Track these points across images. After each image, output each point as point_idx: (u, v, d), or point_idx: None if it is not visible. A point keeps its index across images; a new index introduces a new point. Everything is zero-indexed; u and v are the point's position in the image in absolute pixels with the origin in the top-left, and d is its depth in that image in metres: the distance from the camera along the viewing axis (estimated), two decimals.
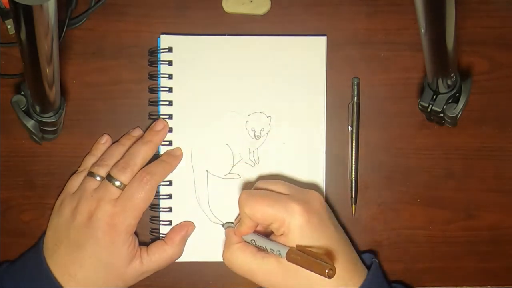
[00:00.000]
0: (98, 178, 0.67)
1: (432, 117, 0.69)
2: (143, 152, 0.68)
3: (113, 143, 0.71)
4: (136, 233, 0.68)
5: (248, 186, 0.70)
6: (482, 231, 0.72)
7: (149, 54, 0.71)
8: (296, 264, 0.59)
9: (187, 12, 0.72)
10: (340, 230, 0.66)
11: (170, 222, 0.70)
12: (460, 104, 0.65)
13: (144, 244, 0.70)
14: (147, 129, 0.71)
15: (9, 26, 0.69)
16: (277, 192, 0.64)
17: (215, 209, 0.71)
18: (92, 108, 0.71)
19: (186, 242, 0.70)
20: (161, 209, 0.70)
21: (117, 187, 0.66)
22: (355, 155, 0.71)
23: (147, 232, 0.71)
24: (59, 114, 0.65)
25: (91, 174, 0.68)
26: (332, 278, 0.56)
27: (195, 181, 0.71)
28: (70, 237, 0.66)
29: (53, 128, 0.67)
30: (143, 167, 0.68)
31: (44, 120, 0.65)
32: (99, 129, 0.71)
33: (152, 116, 0.71)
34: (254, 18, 0.72)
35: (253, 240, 0.64)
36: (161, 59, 0.71)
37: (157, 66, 0.71)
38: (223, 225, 0.70)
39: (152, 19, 0.71)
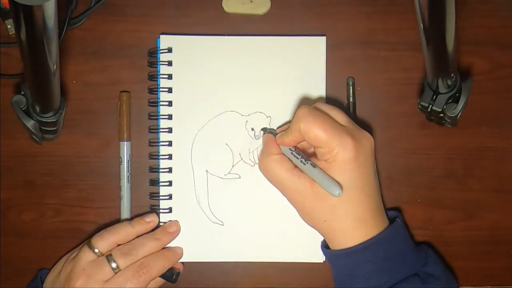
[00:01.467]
0: (96, 251, 0.67)
1: (432, 117, 0.69)
2: (149, 248, 0.68)
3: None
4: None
5: (248, 186, 0.70)
6: (482, 231, 0.72)
7: (148, 54, 0.71)
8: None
9: (187, 12, 0.72)
10: (377, 178, 0.66)
11: None
12: (460, 104, 0.65)
13: None
14: (160, 224, 0.70)
15: (9, 26, 0.69)
16: (335, 121, 0.64)
17: (215, 209, 0.71)
18: (92, 108, 0.71)
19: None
20: (161, 210, 0.70)
21: (112, 268, 0.66)
22: None
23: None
24: (59, 114, 0.65)
25: (89, 244, 0.67)
26: (357, 220, 0.60)
27: (195, 181, 0.71)
28: None
29: (53, 128, 0.67)
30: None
31: (44, 120, 0.65)
32: (99, 129, 0.71)
33: (151, 117, 0.71)
34: (254, 18, 0.72)
35: (290, 149, 0.64)
36: (161, 59, 0.71)
37: (156, 67, 0.71)
38: (263, 129, 0.70)
39: (152, 19, 0.71)
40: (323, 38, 0.71)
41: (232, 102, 0.71)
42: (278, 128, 0.70)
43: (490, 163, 0.72)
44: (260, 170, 0.66)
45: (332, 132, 0.62)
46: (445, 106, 0.65)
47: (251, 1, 0.71)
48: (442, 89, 0.65)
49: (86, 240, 0.69)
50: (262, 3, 0.71)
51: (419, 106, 0.67)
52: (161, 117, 0.71)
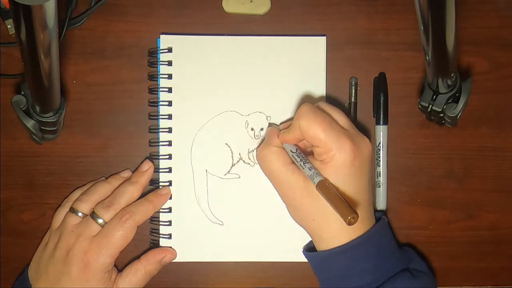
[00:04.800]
0: (79, 214, 0.68)
1: (432, 117, 0.69)
2: (128, 193, 0.69)
3: (101, 181, 0.71)
4: (136, 235, 0.68)
5: (247, 185, 0.70)
6: (482, 231, 0.72)
7: (148, 54, 0.71)
8: (324, 195, 0.59)
9: (187, 12, 0.72)
10: (370, 185, 0.66)
11: (170, 223, 0.70)
12: (460, 104, 0.65)
13: (142, 244, 0.70)
14: (136, 169, 0.71)
15: (9, 26, 0.69)
16: (336, 122, 0.64)
17: (214, 209, 0.71)
18: (92, 108, 0.71)
19: (161, 266, 0.70)
20: (160, 210, 0.70)
21: (99, 224, 0.67)
22: None
23: (147, 232, 0.71)
24: (59, 114, 0.65)
25: (72, 210, 0.68)
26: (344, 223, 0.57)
27: (195, 181, 0.71)
28: (49, 272, 0.66)
29: (53, 128, 0.67)
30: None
31: (44, 120, 0.65)
32: (99, 129, 0.71)
33: (151, 117, 0.71)
34: (254, 18, 0.72)
35: (292, 151, 0.64)
36: (161, 59, 0.71)
37: (156, 67, 0.71)
38: (269, 124, 0.70)
39: (152, 19, 0.71)
40: (323, 38, 0.71)
41: (232, 102, 0.71)
42: (281, 123, 0.70)
43: (490, 163, 0.72)
44: (257, 159, 0.67)
45: (331, 133, 0.62)
46: (445, 106, 0.65)
47: (251, 1, 0.71)
48: (442, 89, 0.65)
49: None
50: (262, 3, 0.71)
51: (419, 106, 0.67)
52: (161, 117, 0.71)
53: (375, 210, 0.70)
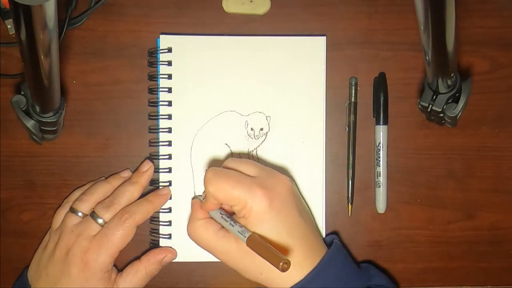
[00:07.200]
0: (79, 214, 0.68)
1: (432, 117, 0.69)
2: (128, 193, 0.69)
3: (101, 181, 0.71)
4: (135, 236, 0.68)
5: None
6: (482, 231, 0.72)
7: (148, 55, 0.71)
8: (254, 251, 0.59)
9: (187, 12, 0.72)
10: (305, 214, 0.66)
11: (170, 223, 0.70)
12: (460, 104, 0.65)
13: (142, 244, 0.70)
14: (136, 169, 0.71)
15: (9, 26, 0.70)
16: (245, 174, 0.64)
17: None
18: (92, 108, 0.71)
19: (161, 266, 0.70)
20: (160, 210, 0.70)
21: (99, 224, 0.66)
22: (352, 155, 0.71)
23: (147, 233, 0.71)
24: (59, 114, 0.65)
25: (72, 210, 0.68)
26: (291, 266, 0.56)
27: (195, 181, 0.71)
28: (49, 273, 0.66)
29: (53, 128, 0.67)
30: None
31: (44, 120, 0.65)
32: (99, 129, 0.71)
33: (151, 117, 0.71)
34: (254, 18, 0.72)
35: (219, 215, 0.64)
36: (161, 59, 0.71)
37: (156, 67, 0.71)
38: (193, 197, 0.70)
39: (152, 19, 0.71)
40: (323, 38, 0.71)
41: (232, 102, 0.71)
42: (203, 192, 0.69)
43: (490, 163, 0.72)
44: (189, 236, 0.66)
45: (241, 187, 0.62)
46: (445, 106, 0.65)
47: (251, 1, 0.71)
48: (442, 89, 0.65)
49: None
50: (262, 3, 0.71)
51: (419, 106, 0.67)
52: (160, 117, 0.71)
53: (330, 233, 0.70)
